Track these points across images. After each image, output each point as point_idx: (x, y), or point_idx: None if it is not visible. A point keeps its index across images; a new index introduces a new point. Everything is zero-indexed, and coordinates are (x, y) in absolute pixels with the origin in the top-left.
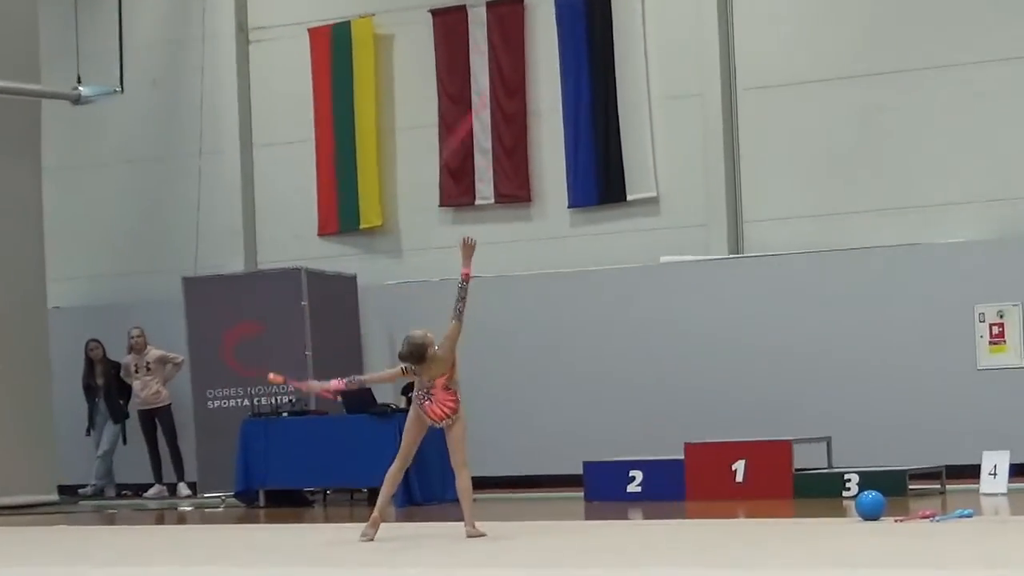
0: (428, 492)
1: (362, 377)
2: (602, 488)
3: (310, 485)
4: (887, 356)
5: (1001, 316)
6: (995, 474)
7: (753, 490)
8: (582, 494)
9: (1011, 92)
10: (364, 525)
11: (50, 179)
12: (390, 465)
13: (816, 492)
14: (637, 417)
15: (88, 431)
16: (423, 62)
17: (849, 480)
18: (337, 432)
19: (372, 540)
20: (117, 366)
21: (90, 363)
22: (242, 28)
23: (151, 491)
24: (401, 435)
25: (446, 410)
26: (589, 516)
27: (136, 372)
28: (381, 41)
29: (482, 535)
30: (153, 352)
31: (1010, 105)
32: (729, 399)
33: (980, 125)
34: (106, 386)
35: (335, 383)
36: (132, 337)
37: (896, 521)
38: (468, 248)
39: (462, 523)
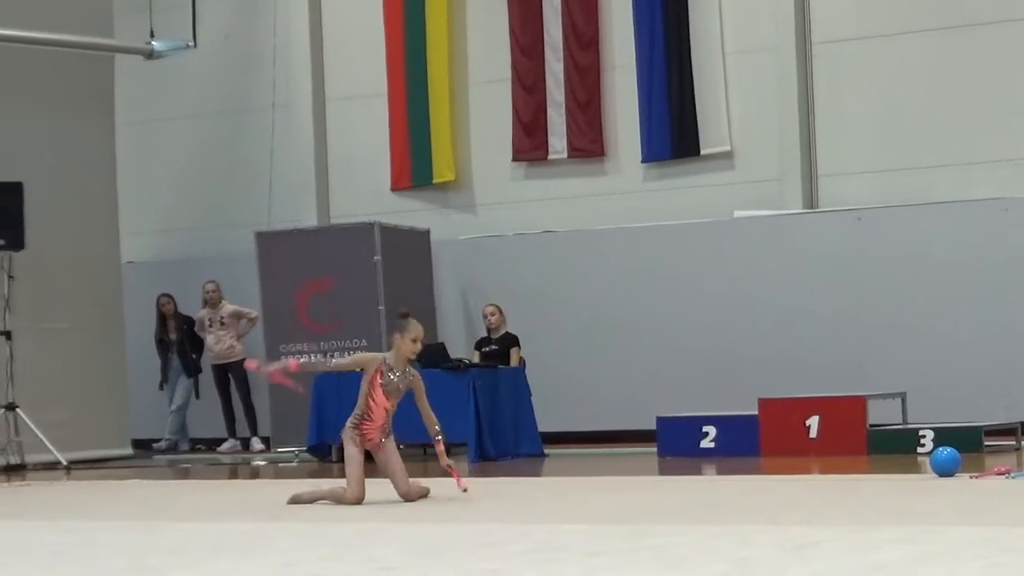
0: (501, 448)
1: (340, 361)
2: (675, 443)
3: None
4: (964, 311)
5: None
6: None
7: (827, 446)
8: (655, 450)
9: None
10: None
11: (123, 134)
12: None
13: (890, 448)
14: (710, 372)
15: (161, 386)
16: (496, 15)
17: (924, 436)
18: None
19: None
20: (189, 321)
21: (162, 318)
22: None
23: (224, 446)
24: (475, 393)
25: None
26: (662, 471)
27: (210, 327)
28: None
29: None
30: (227, 307)
31: None
32: (803, 355)
33: None
34: (179, 341)
35: (292, 361)
36: (207, 291)
37: (971, 478)
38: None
39: (535, 478)
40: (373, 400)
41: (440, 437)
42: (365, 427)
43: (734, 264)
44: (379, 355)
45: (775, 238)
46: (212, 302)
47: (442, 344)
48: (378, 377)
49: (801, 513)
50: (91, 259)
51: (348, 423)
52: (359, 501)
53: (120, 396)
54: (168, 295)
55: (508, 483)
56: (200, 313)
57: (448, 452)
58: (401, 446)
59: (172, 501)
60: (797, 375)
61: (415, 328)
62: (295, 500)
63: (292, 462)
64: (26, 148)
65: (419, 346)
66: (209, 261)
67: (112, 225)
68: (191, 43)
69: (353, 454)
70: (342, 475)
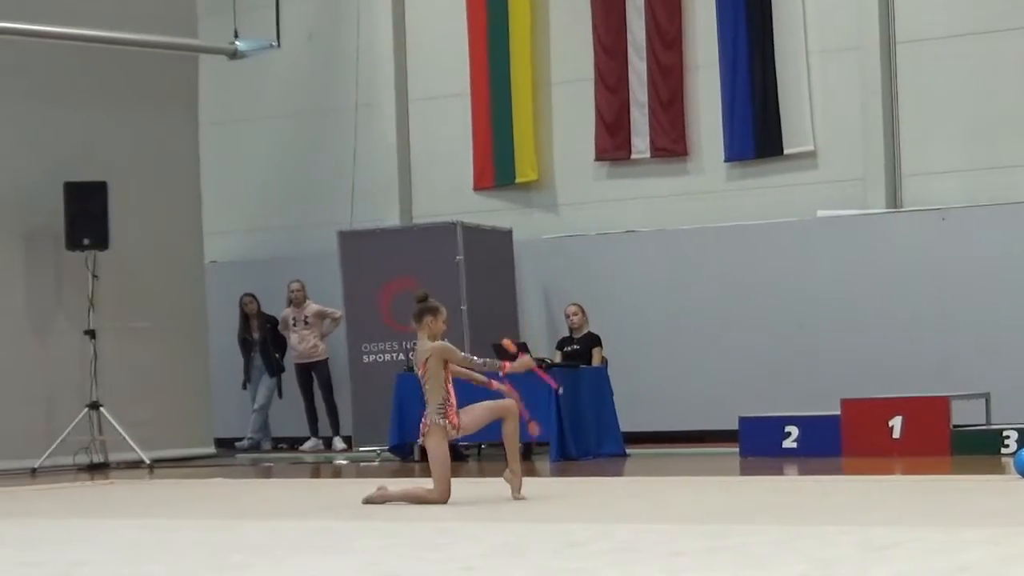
0: (583, 447)
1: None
2: (757, 443)
3: (464, 440)
4: None
5: None
6: None
7: (910, 447)
8: (737, 449)
9: None
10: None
11: (207, 134)
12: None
13: (974, 449)
14: (793, 372)
15: (244, 385)
16: (579, 15)
17: (1008, 437)
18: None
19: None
20: (272, 320)
21: (245, 317)
22: None
23: (307, 445)
24: (556, 394)
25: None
26: (744, 472)
27: (294, 325)
28: None
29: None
30: (312, 306)
31: None
32: (886, 355)
33: None
34: (262, 340)
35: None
36: (292, 291)
37: None
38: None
39: (617, 478)
40: (450, 385)
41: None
42: (450, 414)
43: (817, 264)
44: (438, 343)
45: (859, 238)
46: (297, 301)
47: (525, 343)
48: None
49: (883, 514)
50: (175, 259)
51: (434, 415)
52: (446, 500)
53: (203, 395)
54: (251, 295)
55: (590, 483)
56: (284, 312)
57: (530, 452)
58: (482, 446)
59: (254, 499)
60: (880, 375)
61: (444, 309)
62: (369, 500)
63: (374, 461)
64: (110, 148)
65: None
66: (292, 261)
67: (196, 225)
68: (275, 43)
69: (443, 451)
70: (424, 474)
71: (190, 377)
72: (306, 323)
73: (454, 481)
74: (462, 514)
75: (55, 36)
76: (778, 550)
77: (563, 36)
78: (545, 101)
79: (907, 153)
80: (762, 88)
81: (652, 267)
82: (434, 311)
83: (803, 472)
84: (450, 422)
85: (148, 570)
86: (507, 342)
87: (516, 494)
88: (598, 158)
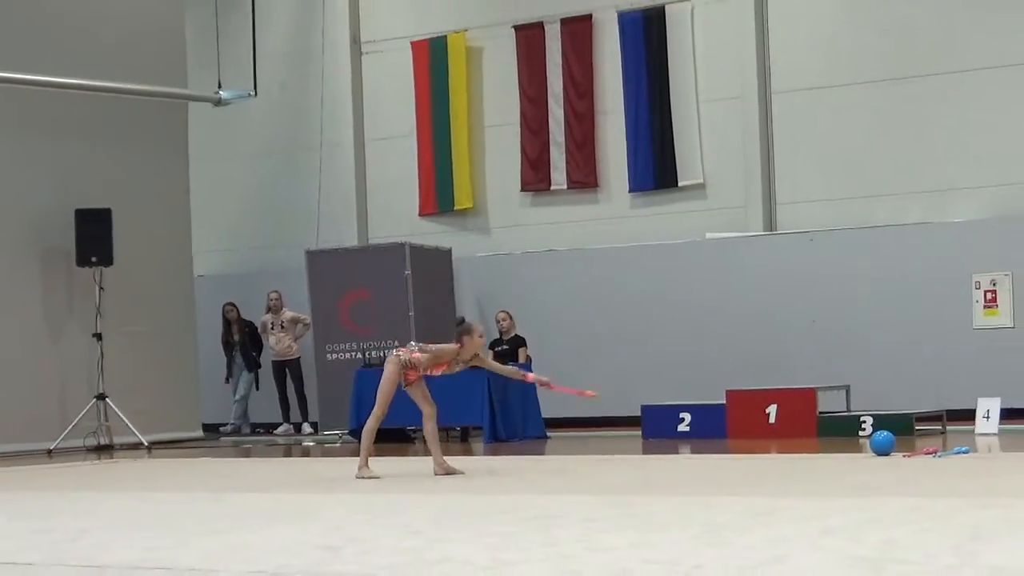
0: (511, 430)
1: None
2: (657, 427)
3: (411, 424)
4: (898, 317)
5: (994, 284)
6: (988, 417)
7: (783, 430)
8: (640, 432)
9: (1002, 96)
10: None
11: (195, 168)
12: (428, 413)
13: (836, 432)
14: (686, 368)
15: (227, 379)
16: (507, 69)
17: (864, 422)
18: (433, 380)
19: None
20: (251, 325)
21: (227, 323)
22: (356, 41)
23: (280, 429)
24: (489, 386)
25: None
26: (646, 451)
27: (272, 329)
28: (472, 52)
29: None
30: (287, 313)
31: (1003, 106)
32: (764, 353)
33: (977, 123)
34: (241, 342)
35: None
36: (271, 299)
37: (904, 456)
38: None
39: (539, 457)
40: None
41: (524, 373)
42: (410, 373)
43: (706, 277)
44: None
45: (741, 256)
46: (275, 308)
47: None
48: (444, 367)
49: (762, 486)
50: (168, 273)
51: (401, 357)
52: (379, 416)
53: (192, 387)
54: (232, 303)
55: (517, 460)
56: (264, 317)
57: (467, 435)
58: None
59: (236, 475)
60: (759, 370)
61: (477, 327)
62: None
63: (336, 443)
64: (114, 180)
65: (484, 339)
66: (266, 275)
67: (186, 244)
68: (252, 92)
69: (389, 374)
70: (379, 454)
71: (181, 372)
72: (282, 327)
73: (405, 460)
74: (410, 487)
75: (68, 87)
76: (675, 516)
77: (494, 87)
78: (479, 141)
79: (780, 185)
80: (660, 130)
81: (568, 280)
82: (468, 332)
83: (695, 451)
84: (406, 376)
85: (144, 535)
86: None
87: (445, 471)
88: (523, 189)
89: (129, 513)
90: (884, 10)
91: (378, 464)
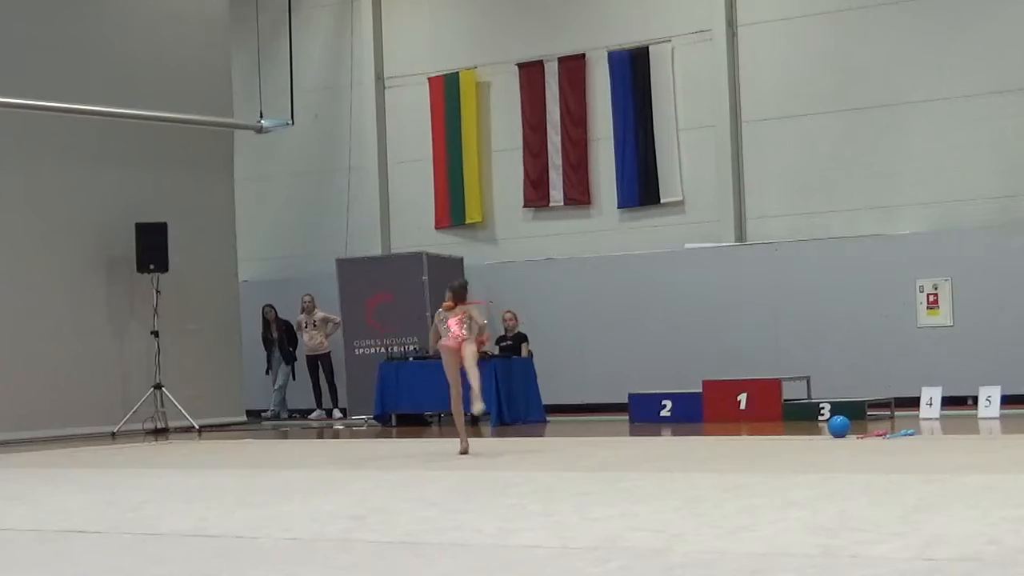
0: (515, 415)
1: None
2: (642, 413)
3: (429, 410)
4: (852, 317)
5: (936, 288)
6: (931, 404)
7: (752, 415)
8: (627, 417)
9: (941, 124)
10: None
11: (240, 187)
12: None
13: (799, 417)
14: (668, 361)
15: (267, 371)
16: (511, 101)
17: (823, 408)
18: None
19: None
20: (288, 323)
21: (266, 322)
22: (380, 77)
23: (313, 414)
24: (496, 375)
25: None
26: (633, 434)
27: (305, 327)
28: (481, 87)
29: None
30: (319, 313)
31: (942, 134)
32: (735, 349)
33: (920, 148)
34: (279, 338)
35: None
36: (305, 301)
37: (858, 438)
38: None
39: (539, 438)
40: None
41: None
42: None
43: (685, 282)
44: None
45: (715, 263)
46: (308, 309)
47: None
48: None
49: (734, 464)
50: (215, 278)
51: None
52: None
53: (236, 378)
54: (271, 305)
55: (520, 442)
56: (299, 317)
57: (476, 419)
58: (442, 415)
59: (274, 454)
60: (731, 363)
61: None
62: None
63: (363, 427)
64: (169, 197)
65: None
66: (302, 280)
67: (231, 254)
68: (290, 122)
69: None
70: (400, 436)
71: (227, 365)
72: (314, 325)
73: (423, 441)
74: (427, 464)
75: (130, 116)
76: (658, 490)
77: (500, 117)
78: (487, 164)
79: (749, 202)
80: (644, 154)
81: (565, 285)
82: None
83: (675, 434)
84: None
85: (195, 507)
86: None
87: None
88: (525, 205)
89: (182, 488)
90: (839, 51)
91: (400, 445)
